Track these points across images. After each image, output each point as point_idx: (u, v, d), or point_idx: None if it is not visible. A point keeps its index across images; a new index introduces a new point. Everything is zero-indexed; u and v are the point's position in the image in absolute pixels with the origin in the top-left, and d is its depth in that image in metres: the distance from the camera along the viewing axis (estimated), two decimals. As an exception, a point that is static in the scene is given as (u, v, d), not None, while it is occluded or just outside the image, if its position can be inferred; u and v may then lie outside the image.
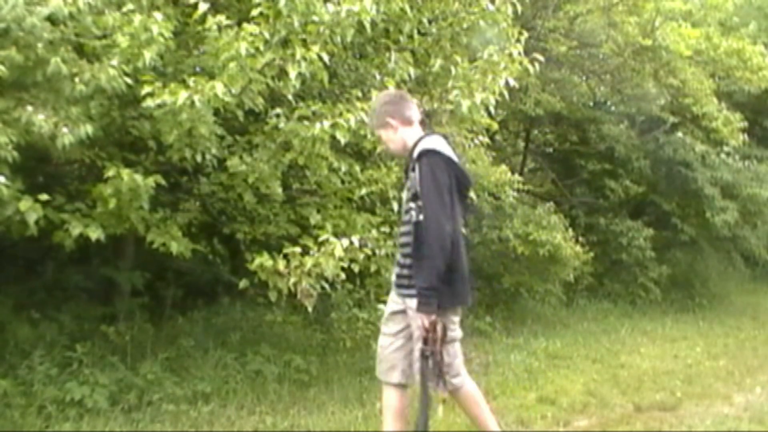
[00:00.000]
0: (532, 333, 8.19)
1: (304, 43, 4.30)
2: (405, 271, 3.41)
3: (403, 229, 3.44)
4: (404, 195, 3.50)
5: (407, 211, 3.37)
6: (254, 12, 4.25)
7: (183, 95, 3.95)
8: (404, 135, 3.49)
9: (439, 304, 3.21)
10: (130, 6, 4.12)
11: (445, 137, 3.54)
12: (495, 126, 6.04)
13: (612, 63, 10.32)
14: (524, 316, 8.90)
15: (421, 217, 3.24)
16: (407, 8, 4.99)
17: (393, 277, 3.58)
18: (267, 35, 4.23)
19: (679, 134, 10.96)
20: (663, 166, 11.03)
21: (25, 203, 3.83)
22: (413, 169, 3.33)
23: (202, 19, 4.21)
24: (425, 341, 3.23)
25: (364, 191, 5.13)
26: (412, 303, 3.30)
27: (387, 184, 5.11)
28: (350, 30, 4.41)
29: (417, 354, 3.33)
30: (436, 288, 3.17)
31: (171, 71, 4.49)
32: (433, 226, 3.19)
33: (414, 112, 3.55)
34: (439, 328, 3.23)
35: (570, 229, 8.88)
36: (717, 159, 10.78)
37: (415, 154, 3.35)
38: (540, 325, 8.66)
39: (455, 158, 3.38)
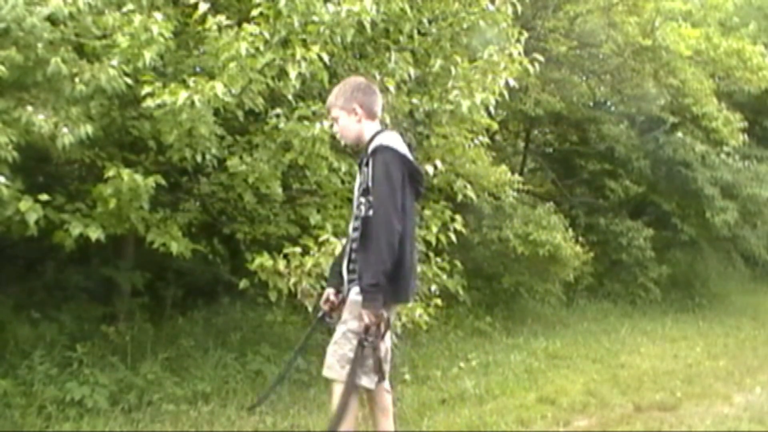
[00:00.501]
0: (532, 333, 8.19)
1: (304, 43, 4.30)
2: (355, 265, 3.37)
3: (355, 224, 3.39)
4: (355, 189, 3.44)
5: (358, 206, 3.32)
6: (254, 12, 4.25)
7: (183, 95, 3.95)
8: (364, 127, 3.44)
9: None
10: (130, 6, 4.12)
11: (401, 134, 3.53)
12: (495, 126, 6.04)
13: (612, 63, 10.32)
14: (524, 316, 8.90)
15: (370, 212, 3.21)
16: (407, 8, 4.99)
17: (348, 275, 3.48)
18: (267, 35, 4.23)
19: (679, 134, 10.96)
20: (663, 166, 11.03)
21: (25, 203, 3.83)
22: (366, 164, 3.29)
23: (202, 19, 4.21)
24: (366, 331, 3.20)
25: (363, 191, 5.12)
26: (353, 294, 3.29)
27: (387, 184, 5.11)
28: (350, 30, 4.41)
29: (342, 341, 3.30)
30: (381, 285, 3.14)
31: (171, 71, 4.49)
32: (382, 223, 3.16)
33: (379, 108, 3.53)
34: (383, 324, 3.23)
35: (570, 229, 8.88)
36: (717, 159, 10.78)
37: (370, 148, 3.31)
38: (540, 325, 8.66)
39: (409, 156, 3.36)
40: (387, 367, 3.39)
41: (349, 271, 3.41)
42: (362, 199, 3.27)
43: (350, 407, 3.33)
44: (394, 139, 3.34)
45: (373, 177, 3.22)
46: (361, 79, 3.71)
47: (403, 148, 3.33)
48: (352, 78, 3.72)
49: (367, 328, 3.19)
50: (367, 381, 3.30)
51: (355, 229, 3.36)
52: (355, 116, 3.42)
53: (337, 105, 3.45)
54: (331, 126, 4.39)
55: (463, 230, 5.73)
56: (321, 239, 4.54)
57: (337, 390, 3.32)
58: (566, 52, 9.60)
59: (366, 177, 3.27)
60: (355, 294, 3.29)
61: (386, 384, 3.46)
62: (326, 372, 3.34)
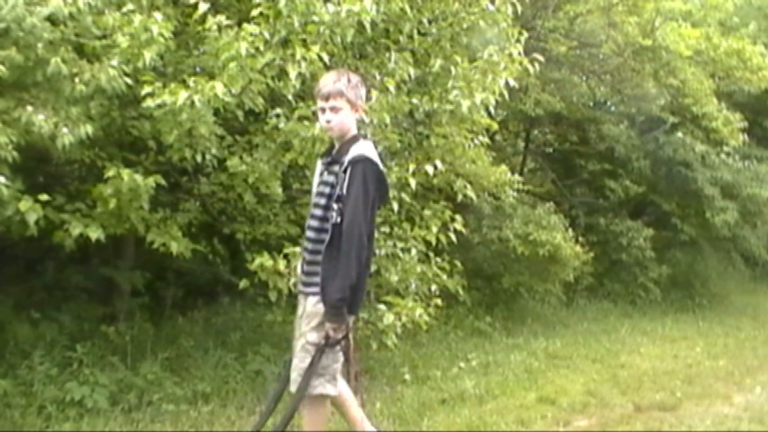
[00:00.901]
0: (532, 333, 8.19)
1: (304, 43, 4.30)
2: (312, 268, 3.34)
3: (315, 224, 3.34)
4: (323, 189, 3.34)
5: (326, 208, 3.28)
6: (254, 12, 4.25)
7: (183, 95, 3.95)
8: (353, 125, 3.40)
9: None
10: (130, 6, 4.12)
11: (374, 143, 3.50)
12: (495, 126, 6.04)
13: (612, 63, 10.31)
14: (524, 316, 8.90)
15: (338, 219, 3.19)
16: (407, 8, 4.99)
17: (301, 276, 3.46)
18: (267, 35, 4.23)
19: (679, 134, 10.95)
20: (663, 166, 11.03)
21: (25, 203, 3.83)
22: (344, 171, 3.23)
23: (202, 19, 4.21)
24: (329, 342, 3.22)
25: (363, 191, 5.12)
26: (311, 305, 3.29)
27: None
28: (350, 30, 4.41)
29: (301, 354, 3.30)
30: (347, 299, 3.14)
31: (171, 71, 4.50)
32: (355, 237, 3.14)
33: None
34: (351, 335, 3.27)
35: (570, 229, 8.87)
36: (717, 159, 10.77)
37: (350, 156, 3.24)
38: (540, 325, 8.66)
39: (383, 170, 3.34)
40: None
41: (306, 274, 3.37)
42: (335, 206, 3.22)
43: (320, 418, 3.39)
44: (373, 151, 3.31)
45: (351, 188, 3.17)
46: (356, 74, 3.64)
47: (379, 161, 3.31)
48: (350, 71, 3.62)
49: (328, 339, 3.20)
50: (331, 389, 3.33)
51: (318, 231, 3.31)
52: (355, 113, 3.38)
53: (346, 96, 3.34)
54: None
55: (463, 230, 5.73)
56: (321, 239, 4.53)
57: (306, 403, 3.35)
58: (566, 52, 9.60)
59: (341, 183, 3.21)
60: (312, 305, 3.28)
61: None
62: (293, 387, 3.35)
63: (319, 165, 3.48)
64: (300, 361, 3.30)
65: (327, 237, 3.23)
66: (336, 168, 3.29)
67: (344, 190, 3.19)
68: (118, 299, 5.87)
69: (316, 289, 3.26)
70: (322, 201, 3.32)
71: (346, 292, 3.12)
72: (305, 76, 4.33)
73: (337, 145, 3.41)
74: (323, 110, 3.38)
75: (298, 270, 3.56)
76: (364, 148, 3.29)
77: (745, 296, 12.90)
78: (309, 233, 3.37)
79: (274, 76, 4.39)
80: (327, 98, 3.36)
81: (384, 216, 5.42)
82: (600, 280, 10.81)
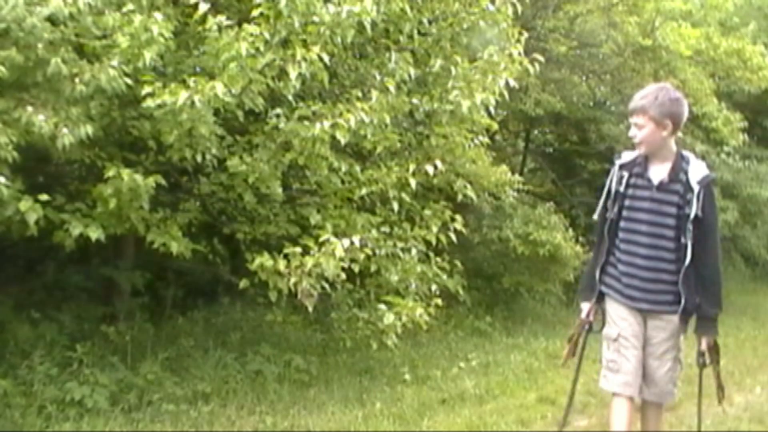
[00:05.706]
0: (532, 333, 8.18)
1: (305, 44, 4.30)
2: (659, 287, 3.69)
3: (669, 245, 3.57)
4: (668, 210, 3.51)
5: (678, 228, 3.52)
6: (254, 12, 4.26)
7: (183, 95, 3.95)
8: (666, 142, 3.59)
9: None
10: (130, 6, 4.12)
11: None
12: (495, 126, 6.05)
13: (612, 63, 10.29)
14: (524, 316, 8.90)
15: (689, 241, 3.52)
16: (407, 8, 5.00)
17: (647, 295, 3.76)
18: (267, 36, 4.23)
19: (679, 134, 10.93)
20: (663, 166, 11.00)
21: (25, 203, 3.83)
22: (698, 196, 3.49)
23: (203, 19, 4.22)
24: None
25: (364, 191, 5.13)
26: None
27: (387, 184, 5.12)
28: (350, 30, 4.42)
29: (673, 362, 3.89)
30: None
31: (171, 71, 4.49)
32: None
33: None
34: None
35: (570, 229, 8.86)
36: (717, 159, 10.77)
37: (699, 177, 3.52)
38: (540, 325, 8.65)
39: None
40: None
41: (654, 292, 3.71)
42: (689, 227, 3.44)
43: None
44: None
45: (705, 210, 3.40)
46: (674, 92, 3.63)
47: None
48: (670, 88, 3.63)
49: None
50: None
51: (673, 251, 3.54)
52: (663, 131, 3.48)
53: (648, 113, 3.44)
54: (332, 126, 4.42)
55: (463, 230, 5.73)
56: (321, 239, 4.54)
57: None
58: (566, 52, 9.58)
59: (692, 205, 3.40)
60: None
61: None
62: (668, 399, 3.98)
63: (626, 175, 3.61)
64: (672, 371, 3.91)
65: (683, 257, 3.50)
66: (678, 187, 3.44)
67: (700, 212, 3.39)
68: (118, 299, 5.87)
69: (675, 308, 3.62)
70: (671, 221, 3.48)
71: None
72: (305, 76, 4.34)
73: (650, 161, 3.54)
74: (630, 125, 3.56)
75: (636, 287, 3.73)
76: (706, 168, 3.51)
77: (745, 296, 12.86)
78: (661, 252, 3.56)
79: (274, 76, 4.39)
80: (632, 114, 3.51)
81: (384, 216, 5.43)
82: (600, 280, 10.78)
